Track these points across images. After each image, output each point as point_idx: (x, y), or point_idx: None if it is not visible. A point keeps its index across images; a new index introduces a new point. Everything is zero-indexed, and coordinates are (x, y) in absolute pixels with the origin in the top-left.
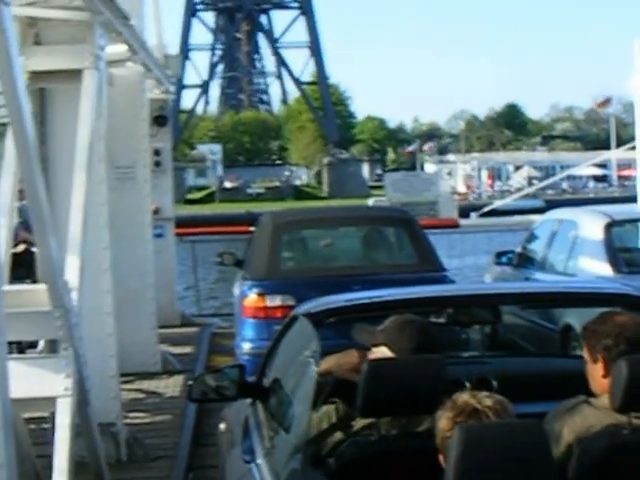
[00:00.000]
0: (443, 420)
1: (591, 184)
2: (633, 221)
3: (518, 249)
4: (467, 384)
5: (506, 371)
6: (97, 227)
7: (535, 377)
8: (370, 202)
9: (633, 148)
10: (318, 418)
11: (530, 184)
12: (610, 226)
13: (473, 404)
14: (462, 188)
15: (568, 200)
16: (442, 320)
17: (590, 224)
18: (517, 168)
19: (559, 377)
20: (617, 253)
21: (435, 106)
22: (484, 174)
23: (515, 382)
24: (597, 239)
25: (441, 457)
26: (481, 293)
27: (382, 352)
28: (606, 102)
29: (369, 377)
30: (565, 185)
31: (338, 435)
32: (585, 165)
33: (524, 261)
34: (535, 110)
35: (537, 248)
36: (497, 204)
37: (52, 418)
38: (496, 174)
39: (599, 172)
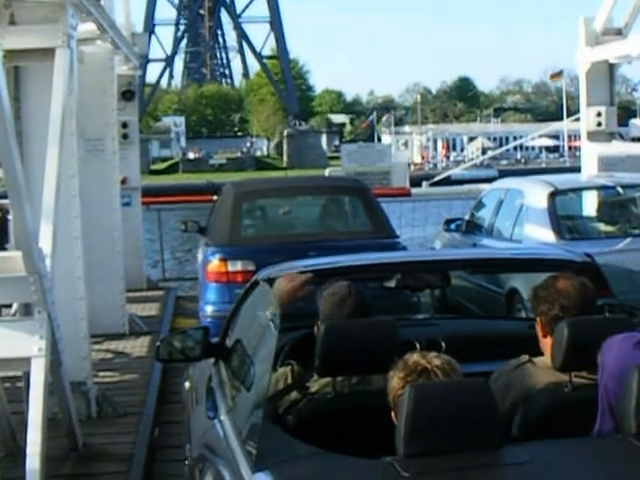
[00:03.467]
0: (395, 379)
1: (543, 155)
2: (576, 190)
3: (466, 216)
4: (417, 345)
5: (454, 333)
6: (69, 197)
7: (482, 338)
8: (326, 172)
9: (579, 119)
10: (275, 379)
11: (484, 154)
12: (554, 195)
13: (423, 364)
14: (418, 158)
15: (521, 170)
16: (393, 285)
17: (535, 193)
18: (471, 139)
19: (504, 338)
20: (560, 221)
21: (389, 80)
22: (439, 145)
23: (463, 343)
24: (541, 207)
25: (393, 414)
26: (434, 259)
27: None
28: (559, 74)
29: (325, 338)
30: (518, 155)
31: (295, 394)
32: (537, 135)
33: (472, 228)
34: (485, 83)
35: (485, 215)
36: (448, 173)
37: (25, 377)
38: (451, 145)
39: (551, 143)
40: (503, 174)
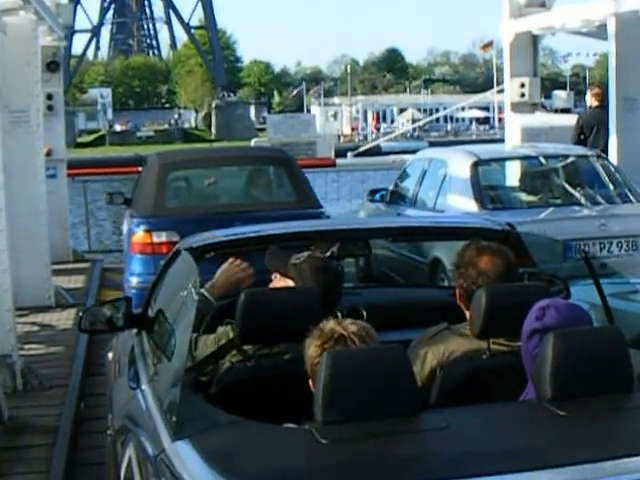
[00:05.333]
0: (312, 347)
1: (473, 126)
2: (498, 160)
3: (391, 187)
4: (339, 314)
5: (376, 301)
6: None
7: (402, 306)
8: (252, 143)
9: (503, 91)
10: (216, 338)
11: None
12: (476, 165)
13: (339, 331)
14: (348, 130)
15: (451, 142)
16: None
17: (457, 163)
18: (401, 110)
19: (425, 306)
20: (483, 191)
21: (316, 51)
22: (369, 116)
23: (384, 311)
24: (464, 177)
25: (311, 382)
26: (356, 228)
27: (287, 284)
28: (489, 44)
29: (245, 306)
30: (449, 127)
31: (228, 357)
32: (467, 104)
33: (396, 198)
34: (413, 55)
35: (408, 186)
36: (376, 143)
37: None
38: (381, 116)
39: (481, 115)
40: (433, 146)
